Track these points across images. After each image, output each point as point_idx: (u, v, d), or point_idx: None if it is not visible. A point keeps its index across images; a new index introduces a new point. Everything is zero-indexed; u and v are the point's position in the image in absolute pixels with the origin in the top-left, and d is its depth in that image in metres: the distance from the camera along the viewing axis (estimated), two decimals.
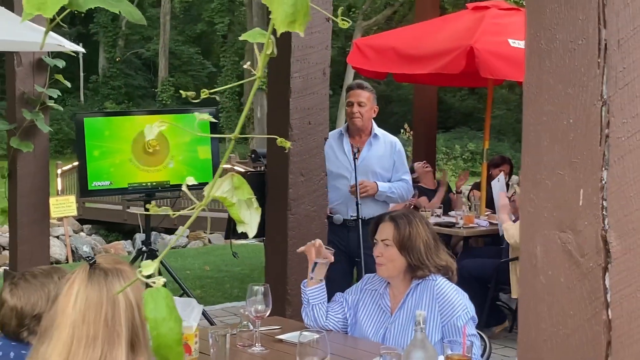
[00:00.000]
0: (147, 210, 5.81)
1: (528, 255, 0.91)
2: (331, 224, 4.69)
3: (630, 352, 0.83)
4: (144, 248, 5.81)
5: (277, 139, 1.09)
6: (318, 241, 3.16)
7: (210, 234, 11.70)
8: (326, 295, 3.15)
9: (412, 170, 7.47)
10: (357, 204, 4.50)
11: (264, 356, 2.84)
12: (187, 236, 11.85)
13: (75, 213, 9.75)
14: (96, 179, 5.63)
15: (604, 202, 0.84)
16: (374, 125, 4.86)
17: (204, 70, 33.48)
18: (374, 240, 3.06)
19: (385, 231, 2.99)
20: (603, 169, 0.84)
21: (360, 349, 2.90)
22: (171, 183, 5.80)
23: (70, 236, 11.03)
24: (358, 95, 4.76)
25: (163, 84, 31.30)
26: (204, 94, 0.97)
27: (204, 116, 1.01)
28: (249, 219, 1.06)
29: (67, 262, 10.39)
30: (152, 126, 1.03)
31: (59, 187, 15.41)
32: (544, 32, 0.90)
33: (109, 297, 1.72)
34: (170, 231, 12.75)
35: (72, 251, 10.74)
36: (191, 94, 1.00)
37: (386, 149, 4.83)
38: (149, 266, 0.97)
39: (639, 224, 0.83)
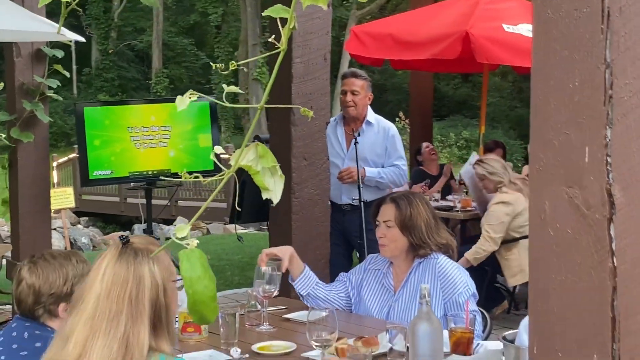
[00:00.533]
0: (149, 198, 5.88)
1: (537, 210, 0.98)
2: None
3: (634, 296, 0.90)
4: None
5: (300, 109, 1.15)
6: (263, 252, 3.10)
7: (208, 223, 11.76)
8: (315, 277, 3.20)
9: (418, 152, 7.54)
10: (359, 187, 4.57)
11: (272, 334, 2.91)
12: None
13: (73, 205, 9.78)
14: (97, 168, 5.67)
15: (608, 158, 0.91)
16: (369, 111, 4.92)
17: (198, 61, 33.39)
18: (376, 222, 3.12)
19: (387, 212, 3.06)
20: (607, 127, 0.91)
21: (365, 326, 2.98)
22: (172, 171, 5.85)
23: (67, 228, 11.07)
24: (352, 84, 4.82)
25: (157, 76, 31.23)
26: (232, 65, 1.03)
27: (232, 88, 1.07)
28: (273, 186, 1.13)
29: None
30: (183, 97, 1.08)
31: (55, 180, 15.43)
32: (550, 1, 0.97)
33: (135, 276, 1.76)
34: (169, 222, 12.81)
35: (71, 243, 10.79)
36: (220, 65, 1.06)
37: (379, 136, 4.89)
38: (183, 229, 1.03)
39: None
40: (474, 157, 6.10)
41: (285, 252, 3.13)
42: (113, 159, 5.70)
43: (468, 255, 5.52)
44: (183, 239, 1.04)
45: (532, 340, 1.00)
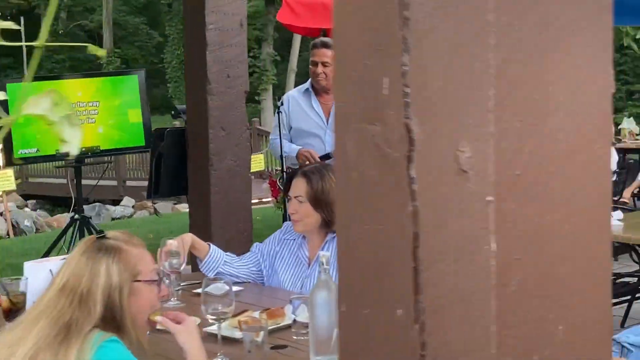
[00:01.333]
0: (78, 176, 5.69)
1: (341, 152, 0.88)
2: None
3: (436, 242, 0.81)
4: (77, 216, 5.69)
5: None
6: (160, 252, 2.89)
7: (155, 203, 11.56)
8: (222, 256, 3.06)
9: None
10: (281, 157, 4.47)
11: (180, 309, 2.79)
12: (133, 206, 11.70)
13: (14, 187, 9.49)
14: (22, 147, 5.47)
15: (406, 88, 0.81)
16: None
17: (151, 40, 32.83)
18: (287, 197, 3.01)
19: (298, 187, 2.94)
20: (404, 53, 0.81)
21: (278, 298, 2.88)
22: (102, 148, 5.67)
23: (10, 211, 10.79)
24: (322, 55, 4.64)
25: (109, 56, 30.63)
26: None
27: (7, 24, 0.94)
28: (71, 137, 1.01)
29: (9, 237, 10.17)
30: None
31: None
32: None
33: (91, 272, 1.80)
34: (117, 202, 12.57)
35: (13, 226, 10.52)
36: None
37: None
38: None
39: (439, 108, 0.80)
40: None
41: (183, 244, 2.94)
42: (39, 137, 5.49)
43: None
44: None
45: (340, 297, 0.90)
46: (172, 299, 2.87)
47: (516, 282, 0.78)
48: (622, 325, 4.65)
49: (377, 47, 0.83)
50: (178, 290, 2.95)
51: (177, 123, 6.34)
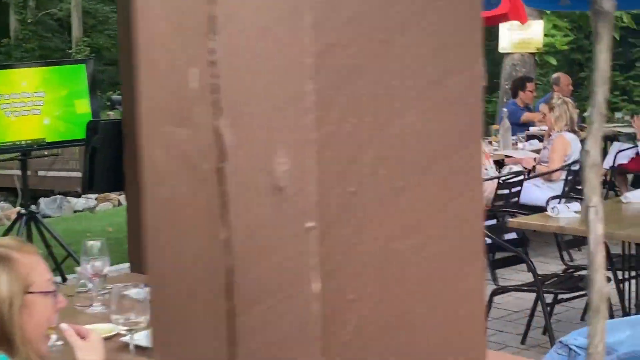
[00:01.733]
0: (24, 169, 5.47)
1: (149, 161, 0.70)
2: None
3: (253, 279, 0.63)
4: (23, 210, 5.46)
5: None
6: None
7: (120, 195, 11.30)
8: None
9: None
10: None
11: (104, 316, 2.62)
12: (96, 198, 11.43)
13: None
14: None
15: (215, 80, 0.63)
16: None
17: None
18: None
19: None
20: (212, 36, 0.63)
21: None
22: (47, 140, 5.45)
23: None
24: None
25: (78, 45, 30.14)
26: None
27: None
28: None
29: None
30: None
31: None
32: None
33: None
34: (80, 195, 12.27)
35: None
36: None
37: None
38: None
39: (252, 107, 0.62)
40: None
41: None
42: None
43: None
44: None
45: (154, 345, 0.73)
46: (94, 304, 2.69)
47: (351, 329, 0.61)
48: (583, 319, 4.54)
49: (183, 28, 0.65)
50: (104, 294, 2.77)
51: None
